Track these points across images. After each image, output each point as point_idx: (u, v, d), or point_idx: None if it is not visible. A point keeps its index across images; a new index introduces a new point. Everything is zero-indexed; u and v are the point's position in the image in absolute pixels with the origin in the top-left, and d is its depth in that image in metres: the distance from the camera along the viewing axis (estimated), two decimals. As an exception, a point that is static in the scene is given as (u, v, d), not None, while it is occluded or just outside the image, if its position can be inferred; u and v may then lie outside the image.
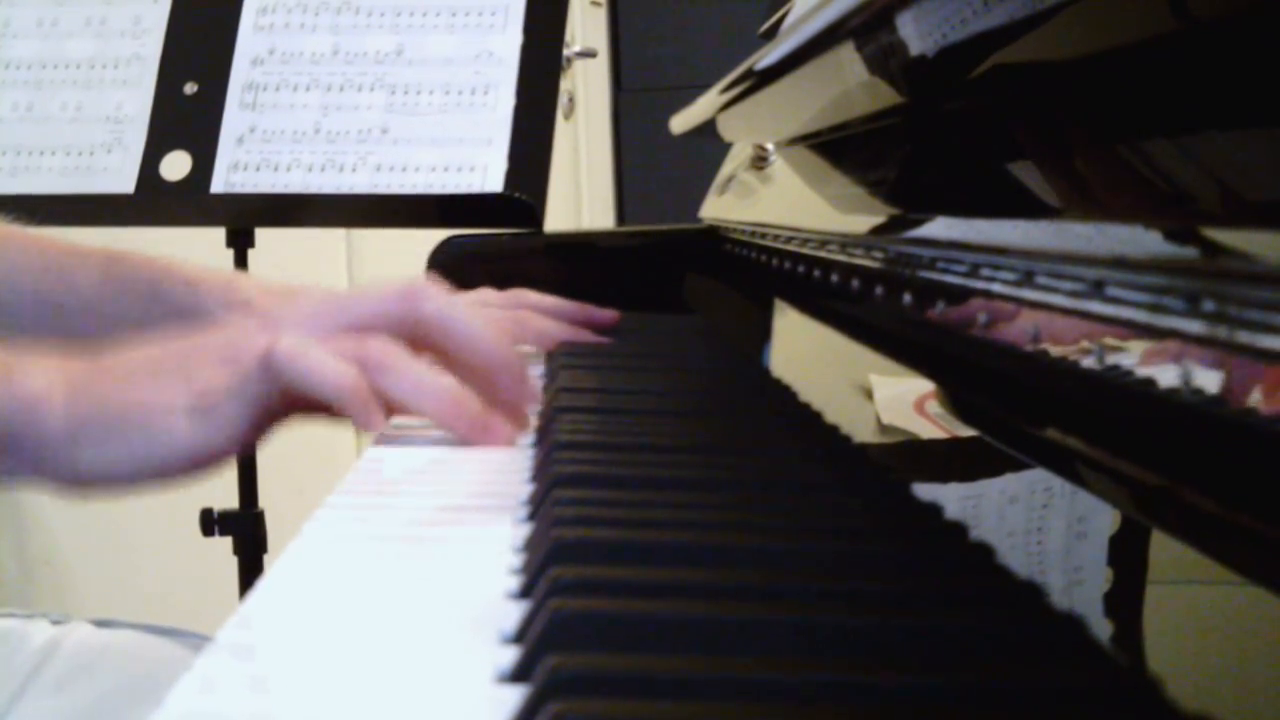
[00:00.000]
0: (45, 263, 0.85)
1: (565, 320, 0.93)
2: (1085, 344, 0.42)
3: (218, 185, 1.32)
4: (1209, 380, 0.35)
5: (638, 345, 0.96)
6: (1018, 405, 0.51)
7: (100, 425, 0.60)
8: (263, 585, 0.43)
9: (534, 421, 0.69)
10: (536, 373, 0.83)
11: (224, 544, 1.51)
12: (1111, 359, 0.41)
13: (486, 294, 0.96)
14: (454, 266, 1.20)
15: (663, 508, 0.50)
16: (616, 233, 2.20)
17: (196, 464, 0.61)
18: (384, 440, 0.67)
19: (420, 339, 0.66)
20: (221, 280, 0.85)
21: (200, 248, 1.18)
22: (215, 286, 0.85)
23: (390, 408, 0.66)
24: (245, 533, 1.50)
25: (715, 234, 1.22)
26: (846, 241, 0.73)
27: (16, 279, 0.85)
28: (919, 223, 0.61)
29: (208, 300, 0.84)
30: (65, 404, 0.60)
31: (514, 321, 0.87)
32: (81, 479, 0.61)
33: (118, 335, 0.64)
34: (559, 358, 0.87)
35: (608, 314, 0.95)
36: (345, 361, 0.61)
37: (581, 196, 3.42)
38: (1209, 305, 0.34)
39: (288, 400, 0.62)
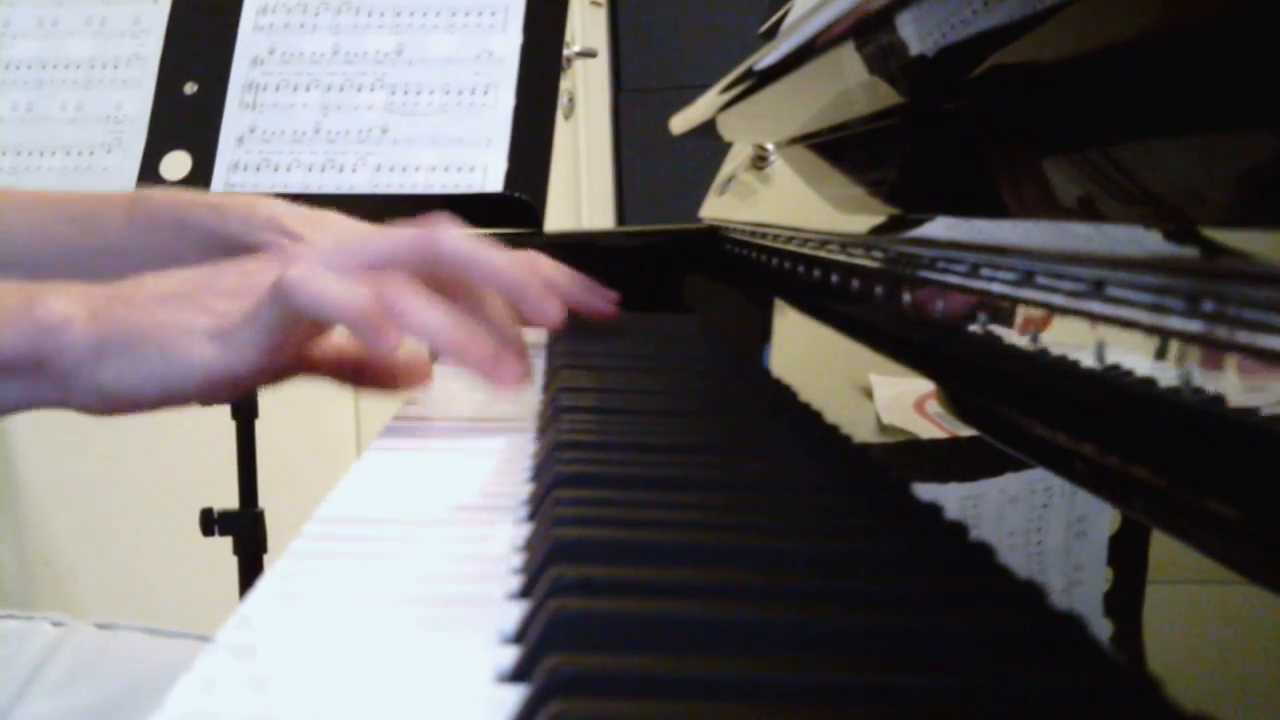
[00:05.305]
0: (71, 213, 0.88)
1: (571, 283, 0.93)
2: (1085, 344, 0.42)
3: (218, 185, 1.33)
4: (1209, 380, 0.35)
5: (638, 345, 0.96)
6: (1018, 405, 0.51)
7: (121, 343, 0.62)
8: (263, 585, 0.43)
9: (535, 421, 0.69)
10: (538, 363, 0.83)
11: (224, 544, 1.51)
12: (1111, 359, 0.41)
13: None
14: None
15: (663, 508, 0.50)
16: (616, 233, 2.20)
17: (215, 386, 0.63)
18: (383, 439, 0.67)
19: (440, 279, 0.67)
20: (243, 201, 0.87)
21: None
22: (238, 208, 0.86)
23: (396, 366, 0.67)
24: (245, 533, 1.51)
25: (715, 234, 1.22)
26: (846, 241, 0.73)
27: (47, 230, 0.88)
28: (919, 223, 0.61)
29: (232, 222, 0.85)
30: (88, 325, 0.62)
31: (525, 260, 0.88)
32: (105, 397, 0.63)
33: (148, 272, 0.66)
34: (559, 357, 0.87)
35: (609, 292, 0.96)
36: (357, 285, 0.62)
37: (581, 196, 3.43)
38: (1209, 305, 0.34)
39: (303, 329, 0.64)
